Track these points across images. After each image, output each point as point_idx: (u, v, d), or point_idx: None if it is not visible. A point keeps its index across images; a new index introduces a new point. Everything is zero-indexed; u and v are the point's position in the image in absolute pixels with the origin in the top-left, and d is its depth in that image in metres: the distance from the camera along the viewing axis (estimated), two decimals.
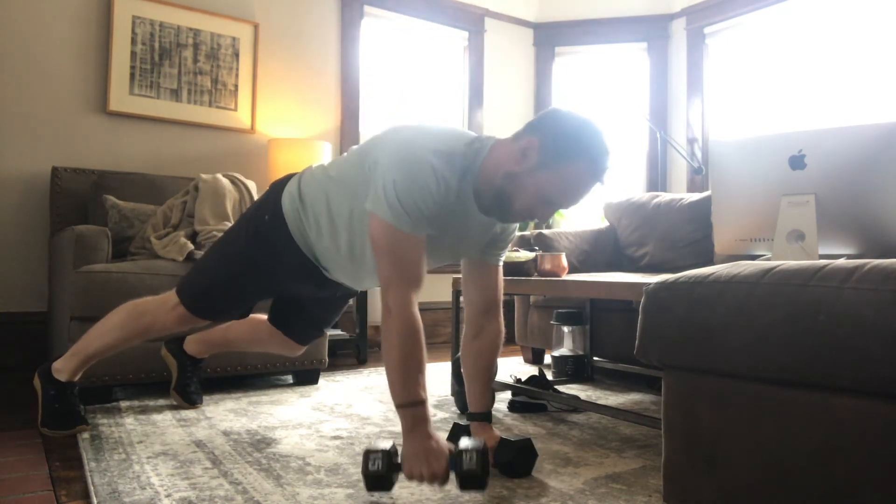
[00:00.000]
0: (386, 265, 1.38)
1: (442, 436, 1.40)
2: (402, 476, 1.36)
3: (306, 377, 2.63)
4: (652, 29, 4.30)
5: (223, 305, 1.77)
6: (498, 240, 1.62)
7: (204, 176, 2.65)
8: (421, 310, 1.41)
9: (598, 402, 2.33)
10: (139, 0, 3.12)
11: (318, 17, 3.66)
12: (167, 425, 1.92)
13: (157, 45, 3.18)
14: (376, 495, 1.37)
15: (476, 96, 4.23)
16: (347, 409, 2.20)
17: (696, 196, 3.04)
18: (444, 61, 4.20)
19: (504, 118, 4.33)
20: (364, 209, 1.44)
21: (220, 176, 2.69)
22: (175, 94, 3.22)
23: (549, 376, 2.55)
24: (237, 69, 3.38)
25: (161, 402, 2.22)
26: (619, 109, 4.39)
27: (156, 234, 2.53)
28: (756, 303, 1.02)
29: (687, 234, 2.94)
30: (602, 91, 4.46)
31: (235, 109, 3.37)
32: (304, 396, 2.38)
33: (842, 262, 1.00)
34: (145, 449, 1.68)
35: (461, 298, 1.79)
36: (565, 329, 2.66)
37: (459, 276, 1.77)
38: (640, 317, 1.19)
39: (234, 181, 2.74)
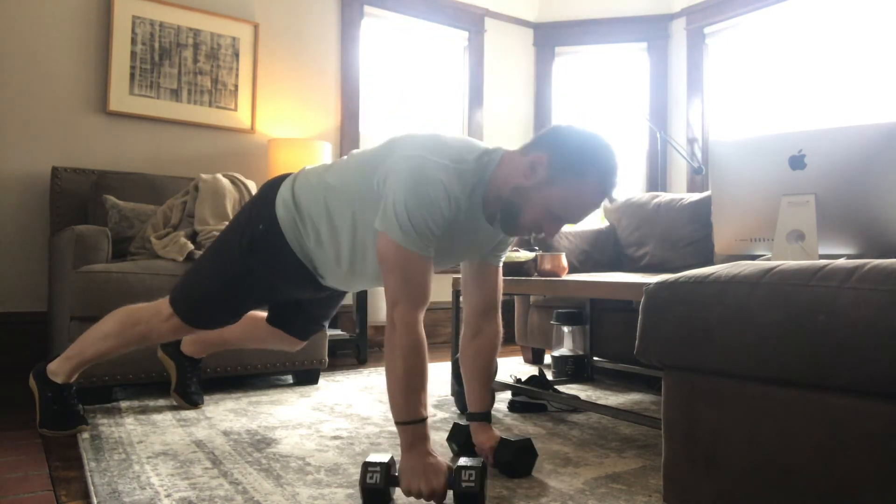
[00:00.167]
0: (393, 283, 1.37)
1: (440, 451, 1.39)
2: (398, 490, 1.35)
3: (306, 377, 2.63)
4: (652, 29, 4.30)
5: (220, 316, 1.75)
6: (500, 242, 1.62)
7: (204, 176, 2.65)
8: None
9: (598, 402, 2.33)
10: (139, 0, 3.12)
11: (317, 17, 3.66)
12: (167, 425, 1.93)
13: (157, 45, 3.18)
14: None
15: (476, 96, 4.23)
16: (347, 409, 2.20)
17: (696, 196, 3.04)
18: (443, 61, 4.20)
19: (504, 118, 4.33)
20: (367, 219, 1.44)
21: (220, 176, 2.69)
22: (175, 94, 3.22)
23: (549, 376, 2.55)
24: (237, 69, 3.38)
25: (161, 402, 2.22)
26: (619, 109, 4.39)
27: (156, 234, 2.53)
28: (756, 303, 1.02)
29: (687, 234, 2.94)
30: (602, 91, 4.46)
31: (235, 109, 3.37)
32: (304, 396, 2.38)
33: (842, 262, 1.00)
34: (145, 449, 1.68)
35: (461, 298, 1.79)
36: (565, 329, 2.66)
37: (459, 276, 1.77)
38: (640, 317, 1.19)
39: (234, 181, 2.74)
